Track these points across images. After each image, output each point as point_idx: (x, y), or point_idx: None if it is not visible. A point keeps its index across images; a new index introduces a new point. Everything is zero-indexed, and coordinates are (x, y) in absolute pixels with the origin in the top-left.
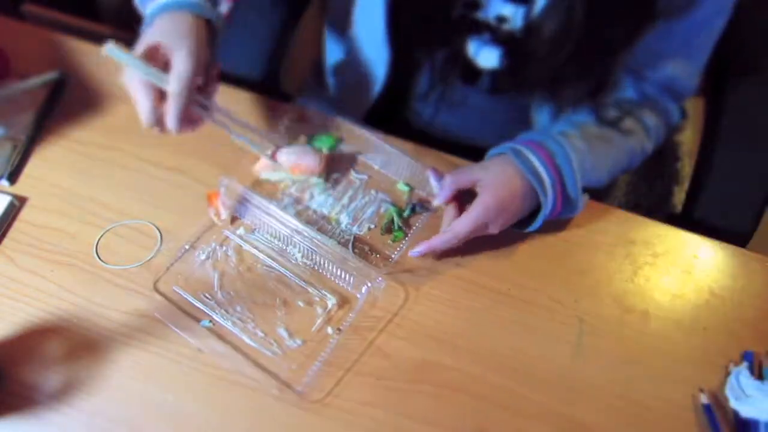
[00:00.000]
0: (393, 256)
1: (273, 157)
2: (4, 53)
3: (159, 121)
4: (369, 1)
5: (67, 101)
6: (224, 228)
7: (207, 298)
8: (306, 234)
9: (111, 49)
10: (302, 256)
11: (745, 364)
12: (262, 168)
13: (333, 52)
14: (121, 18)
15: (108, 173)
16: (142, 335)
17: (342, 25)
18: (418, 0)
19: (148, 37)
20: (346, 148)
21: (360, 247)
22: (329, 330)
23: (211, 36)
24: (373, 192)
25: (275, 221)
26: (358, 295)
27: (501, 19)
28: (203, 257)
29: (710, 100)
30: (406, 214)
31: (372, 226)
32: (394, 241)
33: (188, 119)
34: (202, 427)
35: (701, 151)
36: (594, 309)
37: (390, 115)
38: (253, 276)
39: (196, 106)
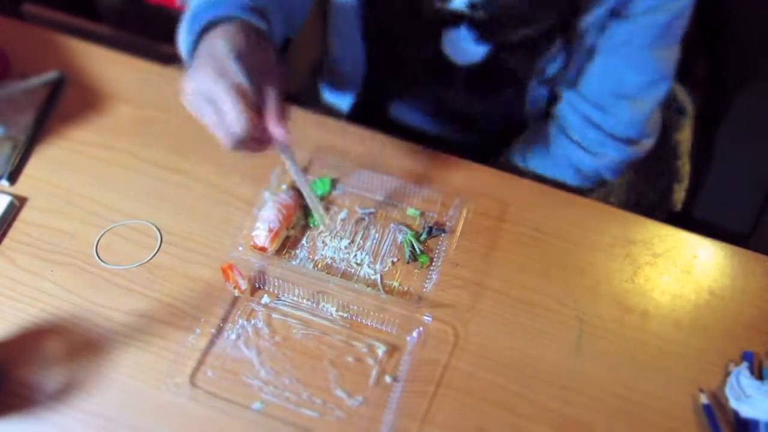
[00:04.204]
0: (426, 286)
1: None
2: (4, 53)
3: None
4: (344, 8)
5: (67, 101)
6: (248, 301)
7: (251, 379)
8: (334, 285)
9: None
10: (336, 310)
11: (745, 364)
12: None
13: None
14: (121, 18)
15: (108, 173)
16: (142, 335)
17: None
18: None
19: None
20: (343, 186)
21: (389, 285)
22: (387, 379)
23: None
24: (383, 224)
25: (298, 281)
26: (408, 338)
27: (473, 6)
28: (234, 337)
29: (710, 100)
30: (423, 237)
31: (394, 260)
32: (421, 268)
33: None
34: (203, 427)
35: (701, 151)
36: (594, 309)
37: (372, 116)
38: (292, 344)
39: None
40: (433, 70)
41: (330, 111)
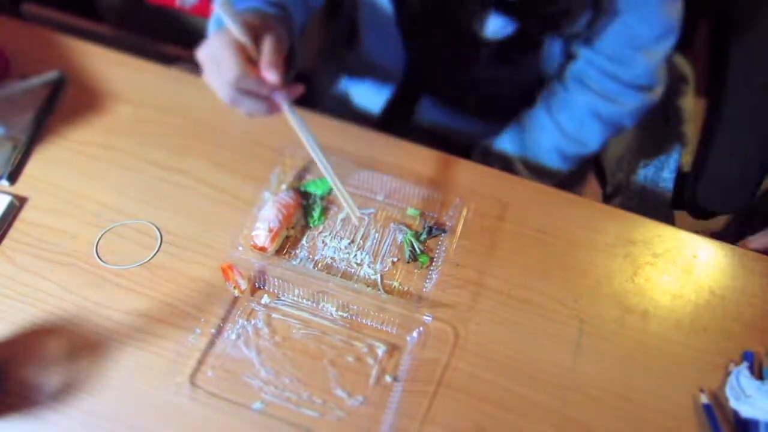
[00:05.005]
0: (426, 286)
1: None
2: (4, 53)
3: (244, 87)
4: (375, 6)
5: (67, 101)
6: (248, 301)
7: (251, 379)
8: (334, 285)
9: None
10: (336, 310)
11: (745, 364)
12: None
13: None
14: (121, 18)
15: (108, 173)
16: (142, 335)
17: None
18: None
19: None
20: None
21: (389, 285)
22: (387, 379)
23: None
24: (383, 224)
25: (298, 281)
26: (408, 338)
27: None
28: (234, 337)
29: (712, 64)
30: (423, 237)
31: (395, 260)
32: (421, 268)
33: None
34: (203, 427)
35: (701, 140)
36: (594, 309)
37: (398, 119)
38: (292, 344)
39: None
40: (465, 48)
41: (330, 111)
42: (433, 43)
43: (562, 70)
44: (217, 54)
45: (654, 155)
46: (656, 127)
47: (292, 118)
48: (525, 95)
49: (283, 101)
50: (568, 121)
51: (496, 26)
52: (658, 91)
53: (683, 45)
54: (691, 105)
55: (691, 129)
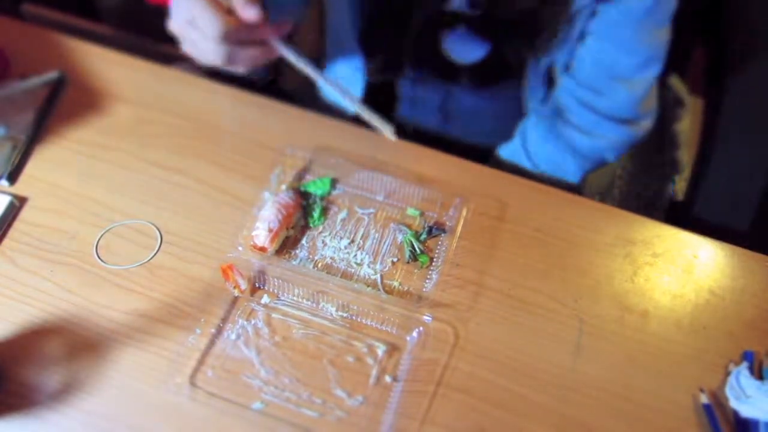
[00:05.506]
0: (426, 286)
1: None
2: (4, 53)
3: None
4: (338, 16)
5: (67, 101)
6: (248, 301)
7: (251, 379)
8: (334, 285)
9: None
10: (336, 310)
11: (745, 364)
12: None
13: None
14: (121, 18)
15: (108, 173)
16: (142, 335)
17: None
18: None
19: None
20: (343, 186)
21: (389, 285)
22: (387, 379)
23: None
24: (383, 224)
25: (298, 281)
26: (408, 338)
27: (474, 4)
28: (234, 337)
29: (709, 98)
30: (423, 237)
31: (394, 260)
32: (421, 268)
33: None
34: (203, 427)
35: (700, 149)
36: (594, 309)
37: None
38: (292, 344)
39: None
40: (436, 70)
41: (330, 110)
42: (399, 59)
43: (545, 102)
44: (189, 15)
45: (647, 184)
46: (648, 154)
47: (287, 54)
48: (504, 128)
49: (274, 40)
50: (542, 157)
51: (471, 49)
52: (644, 126)
53: (679, 68)
54: (687, 129)
55: (687, 154)
